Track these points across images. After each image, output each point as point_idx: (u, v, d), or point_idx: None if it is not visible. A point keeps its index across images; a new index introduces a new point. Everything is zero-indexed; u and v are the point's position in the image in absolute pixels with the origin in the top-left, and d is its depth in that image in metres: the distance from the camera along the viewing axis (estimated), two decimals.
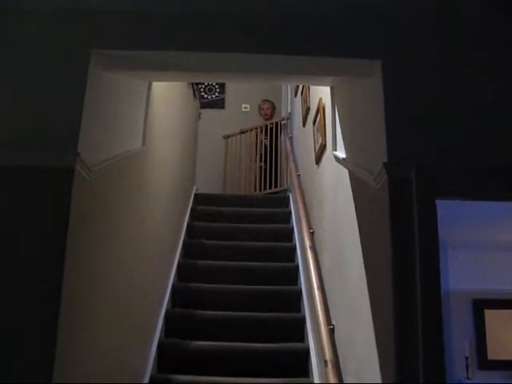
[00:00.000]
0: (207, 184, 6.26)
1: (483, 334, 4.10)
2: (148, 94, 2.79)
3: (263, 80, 3.33)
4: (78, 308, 1.88)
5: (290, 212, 5.19)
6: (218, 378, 3.17)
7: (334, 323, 2.72)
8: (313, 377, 3.16)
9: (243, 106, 7.31)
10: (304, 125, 4.62)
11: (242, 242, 4.60)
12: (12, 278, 1.72)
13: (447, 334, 3.82)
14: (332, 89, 2.92)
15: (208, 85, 7.36)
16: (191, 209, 5.19)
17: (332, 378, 2.37)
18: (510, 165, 1.88)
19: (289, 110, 6.51)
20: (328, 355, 2.49)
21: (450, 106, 1.93)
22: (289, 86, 6.63)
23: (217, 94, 7.36)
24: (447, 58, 1.99)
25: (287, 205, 5.43)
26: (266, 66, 2.18)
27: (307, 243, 3.45)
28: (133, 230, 2.69)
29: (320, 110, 3.42)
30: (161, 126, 3.37)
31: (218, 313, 3.69)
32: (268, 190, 6.25)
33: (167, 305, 3.72)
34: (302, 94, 4.82)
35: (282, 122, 6.38)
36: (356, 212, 2.32)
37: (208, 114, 6.81)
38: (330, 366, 2.43)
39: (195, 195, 5.55)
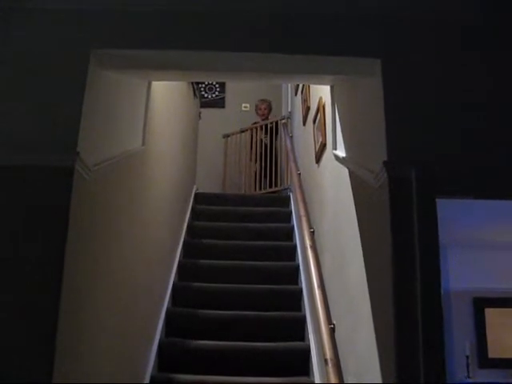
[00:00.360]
0: (207, 183, 6.25)
1: (484, 333, 4.09)
2: (148, 94, 2.79)
3: (263, 79, 3.33)
4: (78, 308, 1.88)
5: (291, 211, 5.18)
6: (218, 377, 3.16)
7: (334, 322, 2.72)
8: (313, 376, 3.15)
9: (243, 105, 7.29)
10: (304, 124, 4.62)
11: (242, 241, 4.59)
12: (12, 278, 1.72)
13: (448, 332, 3.81)
14: (332, 88, 2.92)
15: (208, 84, 7.35)
16: (191, 208, 5.19)
17: (332, 378, 2.37)
18: (510, 165, 1.88)
19: (289, 109, 6.50)
20: (328, 354, 2.49)
21: (450, 105, 1.94)
22: (289, 85, 6.62)
23: (217, 93, 7.35)
24: (447, 58, 1.99)
25: (288, 204, 5.42)
26: (266, 65, 2.18)
27: (308, 242, 3.44)
28: (133, 229, 2.69)
29: (320, 108, 3.42)
30: (161, 125, 3.37)
31: (218, 312, 3.69)
32: (268, 189, 6.24)
33: (168, 304, 3.72)
34: (302, 93, 4.82)
35: (283, 121, 6.37)
36: (356, 211, 2.32)
37: (208, 113, 6.80)
38: (330, 365, 2.43)
39: (195, 194, 5.55)
